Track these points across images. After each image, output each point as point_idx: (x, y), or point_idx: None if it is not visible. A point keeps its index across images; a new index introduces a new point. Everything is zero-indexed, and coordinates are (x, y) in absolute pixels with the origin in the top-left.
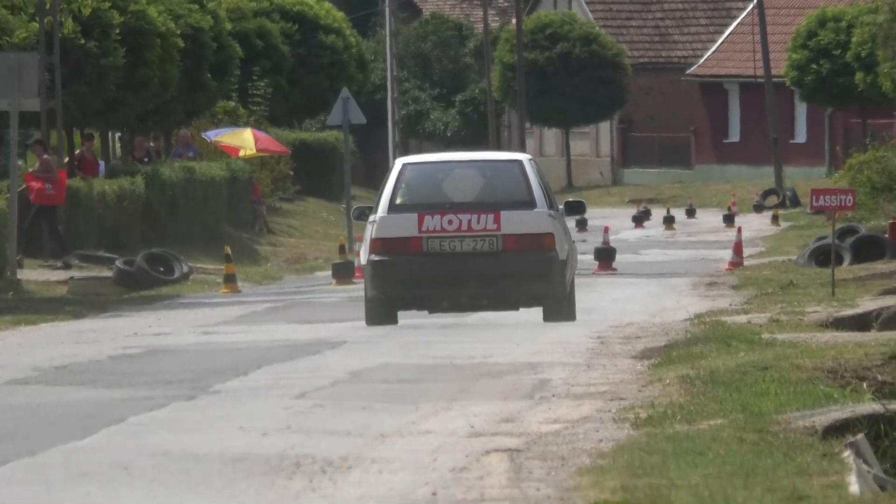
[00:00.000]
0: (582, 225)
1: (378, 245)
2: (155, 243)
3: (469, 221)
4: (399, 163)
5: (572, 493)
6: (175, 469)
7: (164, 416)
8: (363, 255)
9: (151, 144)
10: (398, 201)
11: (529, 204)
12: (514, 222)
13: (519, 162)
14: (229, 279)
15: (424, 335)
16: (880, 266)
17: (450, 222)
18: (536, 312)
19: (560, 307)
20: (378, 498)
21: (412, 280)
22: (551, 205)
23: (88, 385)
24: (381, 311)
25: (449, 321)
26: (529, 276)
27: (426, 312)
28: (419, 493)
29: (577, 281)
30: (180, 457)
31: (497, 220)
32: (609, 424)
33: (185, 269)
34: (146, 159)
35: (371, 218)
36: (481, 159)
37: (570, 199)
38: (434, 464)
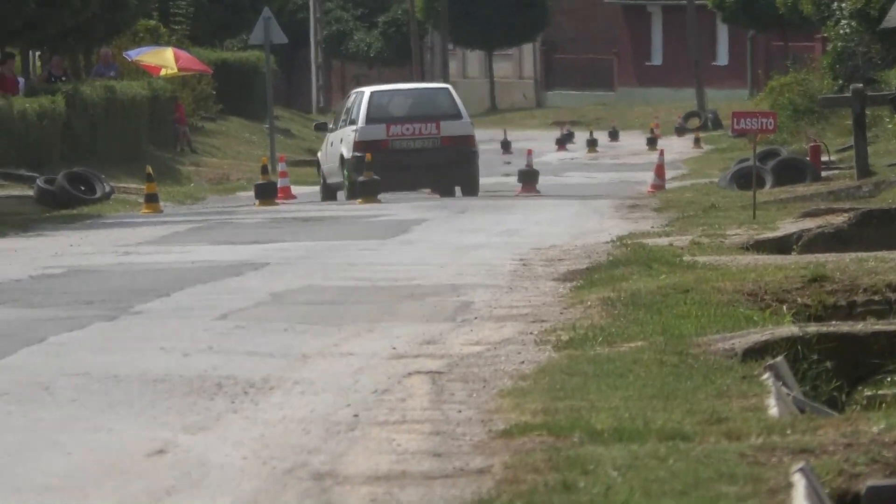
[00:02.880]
0: (506, 147)
1: (360, 145)
2: (76, 162)
3: (419, 128)
4: (367, 90)
5: (494, 415)
6: (96, 389)
7: (85, 336)
8: (344, 152)
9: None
10: (371, 116)
11: (457, 116)
12: (449, 128)
13: (447, 88)
14: (151, 199)
15: (348, 256)
16: (801, 189)
17: (406, 129)
18: (460, 237)
19: (474, 187)
20: (299, 419)
21: (382, 167)
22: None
23: (8, 304)
24: (353, 189)
25: (371, 243)
26: (458, 164)
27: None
28: (341, 415)
29: (500, 203)
30: (101, 377)
31: (437, 127)
32: (531, 347)
33: (107, 188)
34: (63, 78)
35: (352, 128)
36: (422, 87)
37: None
38: (356, 385)
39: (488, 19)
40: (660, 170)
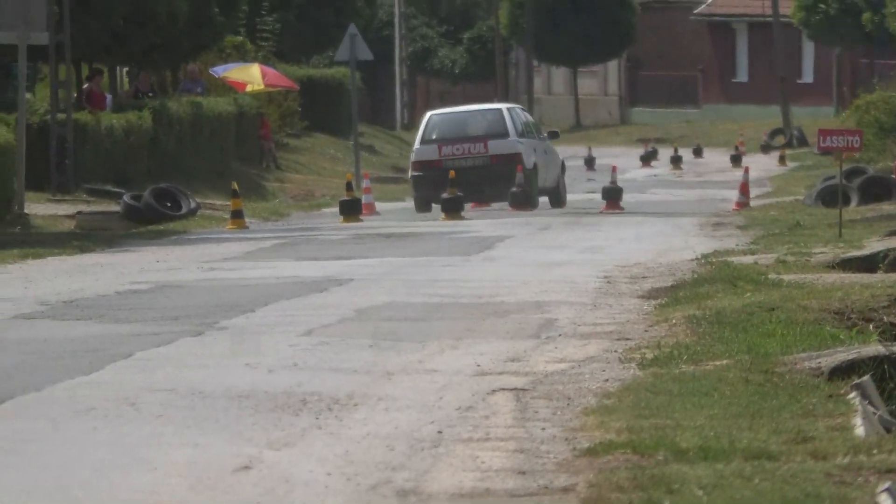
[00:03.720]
0: (590, 164)
1: (416, 165)
2: (162, 178)
3: (469, 148)
4: (427, 114)
5: (578, 432)
6: (181, 405)
7: (171, 352)
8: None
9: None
10: (427, 138)
11: (505, 135)
12: (497, 146)
13: (499, 109)
14: (236, 215)
15: (432, 273)
16: (887, 207)
17: (457, 149)
18: (544, 254)
19: (527, 200)
20: (384, 436)
21: (435, 185)
22: (523, 134)
23: (95, 320)
24: (421, 205)
25: (455, 260)
26: (506, 179)
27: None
28: (425, 432)
29: (584, 220)
30: (187, 393)
31: (486, 146)
32: (615, 365)
33: (193, 204)
34: (150, 94)
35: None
36: (476, 108)
37: (549, 130)
38: (440, 402)
39: (573, 36)
40: (745, 187)
